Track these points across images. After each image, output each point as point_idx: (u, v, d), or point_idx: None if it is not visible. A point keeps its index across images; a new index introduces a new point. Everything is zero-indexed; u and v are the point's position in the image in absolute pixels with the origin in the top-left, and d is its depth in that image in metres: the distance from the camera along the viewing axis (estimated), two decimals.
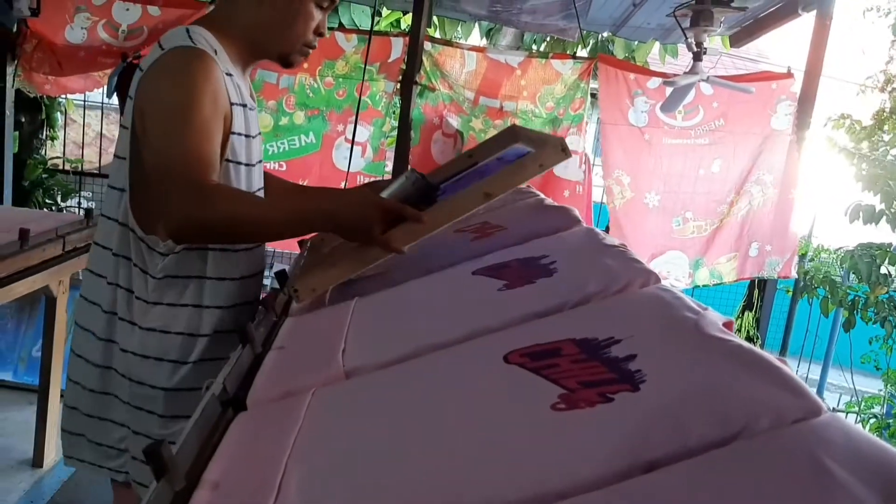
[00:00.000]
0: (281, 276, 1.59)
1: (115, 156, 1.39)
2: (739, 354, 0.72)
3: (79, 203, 5.19)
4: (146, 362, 1.37)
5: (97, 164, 5.55)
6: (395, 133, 3.74)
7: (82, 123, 5.48)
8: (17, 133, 4.32)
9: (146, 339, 1.36)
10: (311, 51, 1.48)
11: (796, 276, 4.09)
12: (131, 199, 1.35)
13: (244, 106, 1.39)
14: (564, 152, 1.32)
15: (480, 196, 1.29)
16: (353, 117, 3.64)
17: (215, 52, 1.33)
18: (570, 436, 0.68)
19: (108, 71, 3.59)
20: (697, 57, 2.90)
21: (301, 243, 1.88)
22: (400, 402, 0.87)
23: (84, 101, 5.33)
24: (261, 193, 1.51)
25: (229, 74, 1.35)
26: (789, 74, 3.85)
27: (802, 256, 4.40)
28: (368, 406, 0.89)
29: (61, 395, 2.54)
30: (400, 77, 3.65)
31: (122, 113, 3.70)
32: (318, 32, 1.46)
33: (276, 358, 1.13)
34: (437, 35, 4.74)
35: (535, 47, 5.53)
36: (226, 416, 0.96)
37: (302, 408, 0.91)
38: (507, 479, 0.64)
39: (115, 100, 3.66)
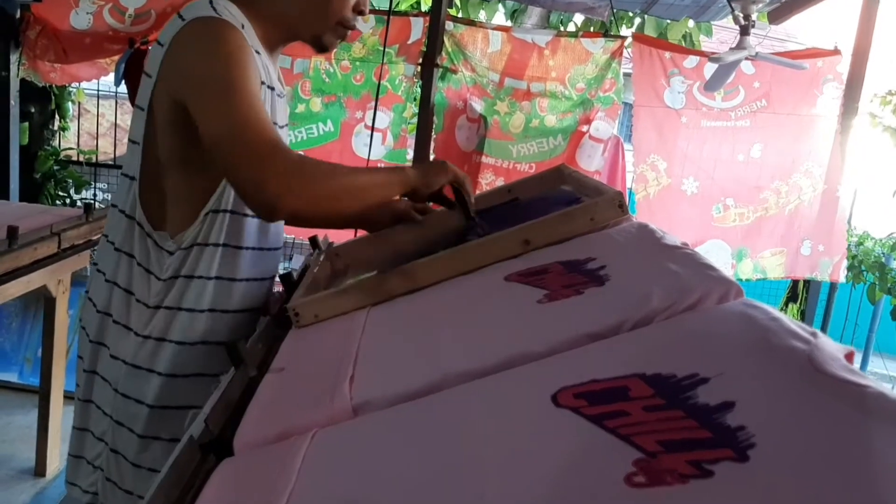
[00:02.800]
0: (287, 280, 1.41)
1: (129, 140, 1.24)
2: (887, 409, 0.52)
3: (94, 195, 5.07)
4: (137, 374, 1.21)
5: (112, 155, 5.42)
6: (416, 119, 3.55)
7: (96, 113, 5.34)
8: (26, 124, 4.19)
9: (141, 347, 1.21)
10: (348, 32, 1.32)
11: (844, 281, 3.84)
12: (141, 190, 1.20)
13: (272, 89, 1.24)
14: (622, 209, 1.17)
15: (519, 243, 1.16)
16: (372, 103, 3.46)
17: (242, 26, 1.18)
18: None
19: (116, 58, 3.44)
20: (745, 31, 2.66)
21: (313, 241, 1.69)
22: (419, 455, 0.68)
23: (98, 90, 5.19)
24: None
25: (257, 52, 1.20)
26: (836, 52, 3.60)
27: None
28: (380, 456, 0.71)
29: (64, 399, 2.42)
30: (420, 59, 3.45)
31: (131, 101, 3.58)
32: (358, 10, 1.30)
33: (273, 384, 0.94)
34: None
35: (561, 28, 5.29)
36: (206, 464, 0.78)
37: (298, 456, 0.73)
38: None
39: (124, 88, 3.51)
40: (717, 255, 3.56)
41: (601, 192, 1.25)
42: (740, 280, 3.64)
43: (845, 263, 3.71)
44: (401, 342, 0.99)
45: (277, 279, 1.41)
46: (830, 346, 0.63)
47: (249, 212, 1.22)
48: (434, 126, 3.47)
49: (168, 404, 1.22)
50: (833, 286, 4.85)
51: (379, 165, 3.50)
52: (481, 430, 0.68)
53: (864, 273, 4.35)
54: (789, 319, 0.70)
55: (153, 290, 1.21)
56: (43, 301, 2.60)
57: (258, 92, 1.14)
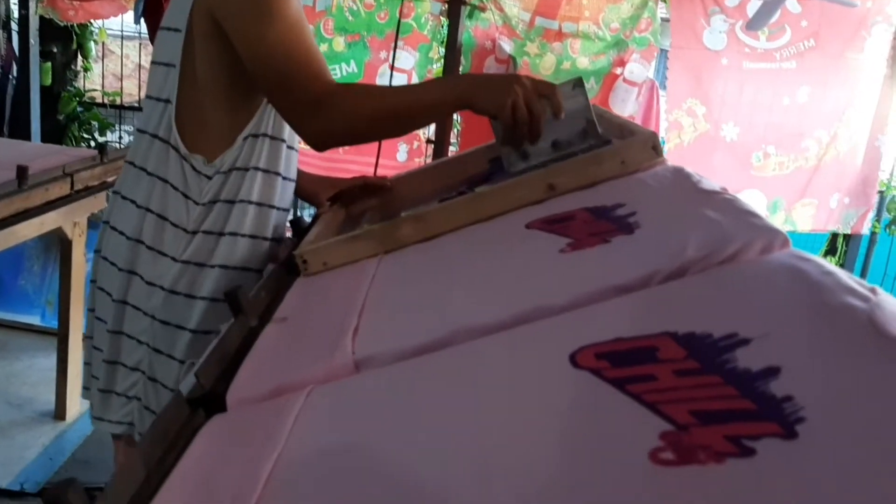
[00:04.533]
0: (297, 225, 1.34)
1: (157, 63, 1.21)
2: None
3: (119, 137, 5.04)
4: (177, 299, 1.19)
5: (137, 97, 5.37)
6: (443, 60, 3.43)
7: (121, 55, 5.27)
8: (48, 64, 4.14)
9: (183, 273, 1.19)
10: None
11: (868, 233, 3.69)
12: (177, 113, 1.17)
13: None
14: (655, 151, 1.07)
15: (543, 188, 1.06)
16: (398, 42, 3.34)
17: None
18: None
19: None
20: None
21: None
22: (421, 417, 0.62)
23: (122, 31, 5.11)
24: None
25: None
26: None
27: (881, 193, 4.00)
28: (378, 416, 0.64)
29: (84, 341, 2.41)
30: None
31: (151, 39, 3.49)
32: None
33: (273, 336, 0.89)
34: None
35: None
36: (195, 420, 0.72)
37: (291, 414, 0.67)
38: None
39: (144, 26, 3.43)
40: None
41: (633, 132, 1.15)
42: None
43: (871, 215, 3.57)
44: (411, 293, 0.92)
45: (287, 224, 1.34)
46: (893, 305, 0.55)
47: (285, 138, 1.23)
48: (461, 67, 3.35)
49: (210, 329, 1.19)
50: (873, 239, 4.69)
51: None
52: (489, 393, 0.61)
53: None
54: (845, 274, 0.61)
55: (192, 214, 1.19)
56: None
57: (300, 14, 1.11)
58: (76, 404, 2.46)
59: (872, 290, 0.58)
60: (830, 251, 3.70)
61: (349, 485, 0.55)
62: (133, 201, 1.21)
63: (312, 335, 0.86)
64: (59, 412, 2.45)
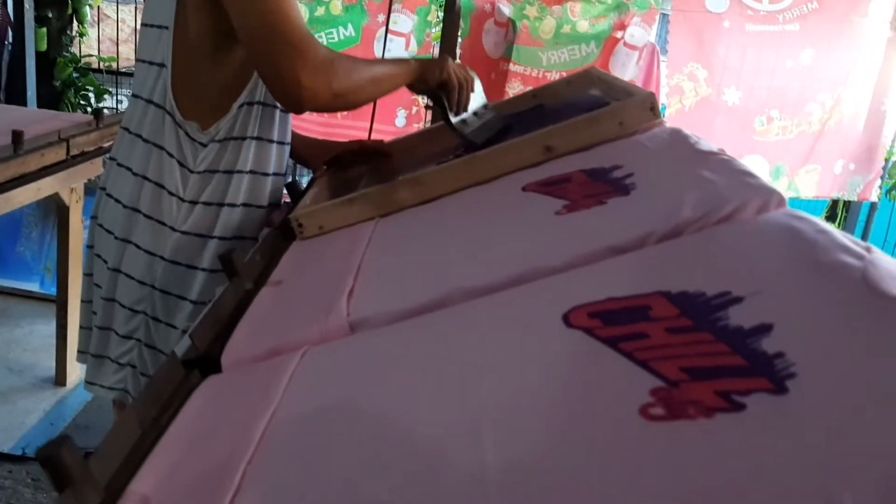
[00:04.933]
0: (293, 189, 1.33)
1: (150, 25, 1.18)
2: None
3: (117, 103, 5.00)
4: (179, 270, 1.18)
5: (133, 62, 5.32)
6: (441, 24, 3.38)
7: (116, 19, 5.20)
8: (44, 29, 4.09)
9: (184, 243, 1.18)
10: None
11: (876, 200, 3.65)
12: (172, 77, 1.14)
13: None
14: (653, 112, 1.06)
15: (540, 149, 1.06)
16: (396, 6, 3.29)
17: None
18: (672, 470, 0.41)
19: None
20: None
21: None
22: (414, 376, 0.62)
23: None
24: None
25: None
26: None
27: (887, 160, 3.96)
28: (372, 375, 0.64)
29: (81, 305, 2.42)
30: None
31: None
32: None
33: (268, 298, 0.89)
34: None
35: None
36: (190, 382, 0.72)
37: (285, 374, 0.67)
38: None
39: None
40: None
41: (631, 94, 1.14)
42: None
43: (879, 182, 3.54)
44: (407, 256, 0.92)
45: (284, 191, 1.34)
46: (888, 263, 0.55)
47: (277, 103, 1.21)
48: (460, 31, 3.30)
49: (209, 299, 1.17)
50: (873, 206, 4.67)
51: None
52: (483, 353, 0.61)
53: None
54: (840, 232, 0.61)
55: (188, 183, 1.17)
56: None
57: None
58: (76, 370, 2.47)
59: (867, 249, 0.57)
60: (830, 217, 3.68)
61: (343, 443, 0.55)
62: (129, 169, 1.20)
63: (307, 297, 0.86)
64: (60, 378, 2.46)
